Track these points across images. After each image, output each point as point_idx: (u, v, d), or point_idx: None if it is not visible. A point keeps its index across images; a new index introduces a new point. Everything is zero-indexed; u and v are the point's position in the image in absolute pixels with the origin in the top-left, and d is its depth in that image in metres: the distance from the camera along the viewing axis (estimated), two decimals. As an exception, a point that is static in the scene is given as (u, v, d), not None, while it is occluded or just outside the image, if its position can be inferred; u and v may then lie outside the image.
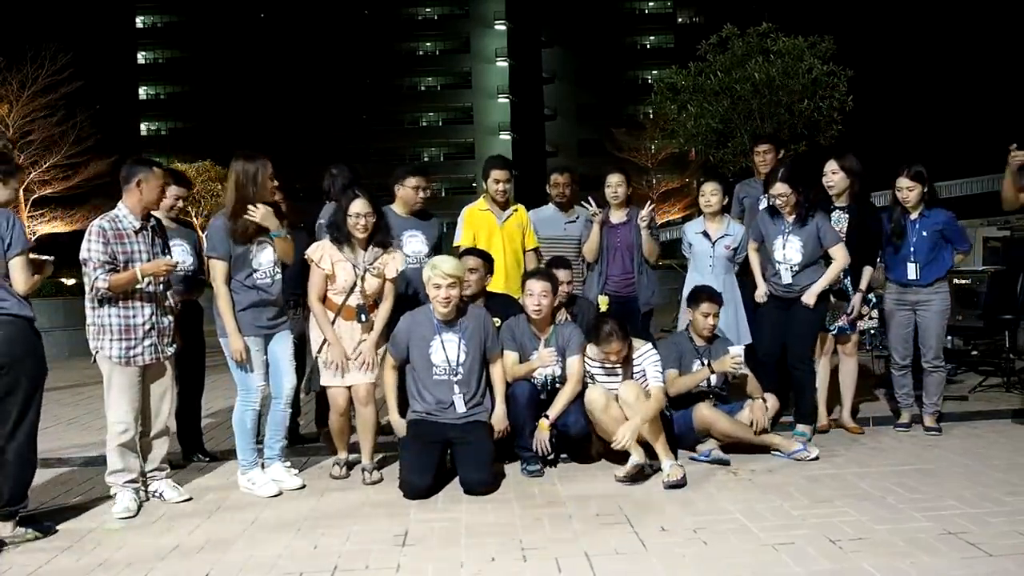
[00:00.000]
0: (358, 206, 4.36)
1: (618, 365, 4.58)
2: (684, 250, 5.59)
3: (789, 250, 4.97)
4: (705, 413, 4.62)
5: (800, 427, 4.97)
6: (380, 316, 4.50)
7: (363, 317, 4.41)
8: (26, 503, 3.68)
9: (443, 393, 4.37)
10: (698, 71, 19.01)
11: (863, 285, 5.22)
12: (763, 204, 5.39)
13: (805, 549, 3.21)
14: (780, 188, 4.94)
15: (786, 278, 4.99)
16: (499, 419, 4.41)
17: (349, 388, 4.43)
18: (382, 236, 4.47)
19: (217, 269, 4.16)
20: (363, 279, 4.40)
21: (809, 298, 4.91)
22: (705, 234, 5.40)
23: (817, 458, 4.54)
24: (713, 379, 4.75)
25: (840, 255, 4.94)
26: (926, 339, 5.16)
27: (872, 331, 5.76)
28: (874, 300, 5.44)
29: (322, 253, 4.39)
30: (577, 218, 5.71)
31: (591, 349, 4.66)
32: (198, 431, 5.13)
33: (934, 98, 35.88)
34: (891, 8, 39.57)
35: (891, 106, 33.68)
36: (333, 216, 4.54)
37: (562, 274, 4.94)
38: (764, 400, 4.72)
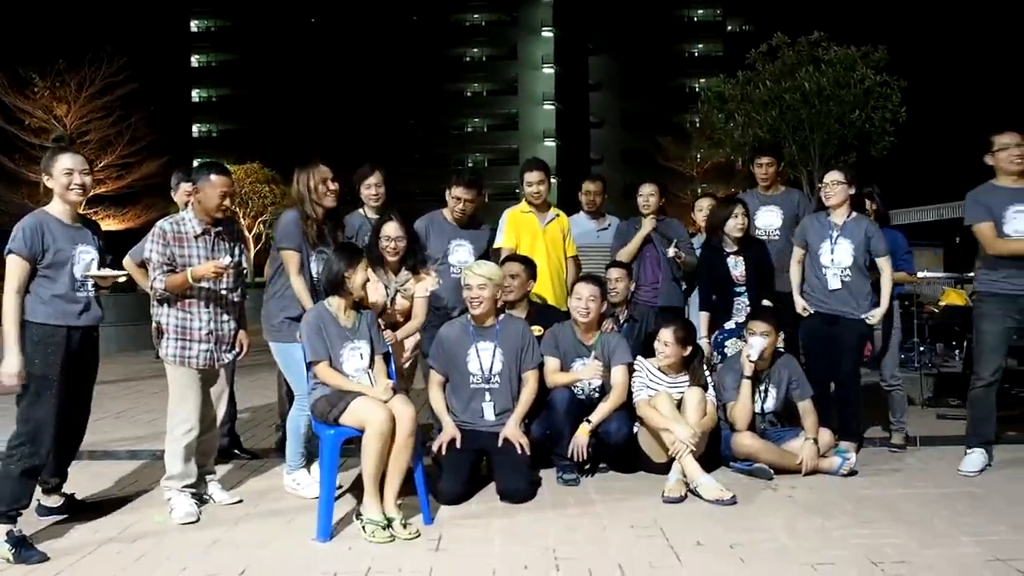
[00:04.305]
0: (389, 229, 4.36)
1: (681, 374, 4.55)
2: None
3: (839, 253, 4.81)
4: (746, 443, 4.49)
5: (843, 444, 4.83)
6: (406, 329, 4.44)
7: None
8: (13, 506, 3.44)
9: (477, 402, 4.37)
10: (747, 80, 18.80)
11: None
12: (758, 216, 5.45)
13: (846, 571, 3.13)
14: (834, 175, 4.87)
15: (833, 283, 4.82)
16: (510, 432, 4.26)
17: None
18: (414, 260, 4.44)
19: (291, 260, 4.16)
20: (393, 300, 4.41)
21: (875, 317, 4.80)
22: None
23: (856, 472, 4.45)
24: (769, 402, 4.66)
25: (888, 268, 4.84)
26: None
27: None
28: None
29: None
30: (609, 226, 5.77)
31: (645, 360, 4.63)
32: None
33: (989, 111, 34.93)
34: (947, 18, 38.70)
35: (946, 118, 32.90)
36: (367, 236, 4.56)
37: (616, 272, 5.08)
38: (816, 441, 4.51)
